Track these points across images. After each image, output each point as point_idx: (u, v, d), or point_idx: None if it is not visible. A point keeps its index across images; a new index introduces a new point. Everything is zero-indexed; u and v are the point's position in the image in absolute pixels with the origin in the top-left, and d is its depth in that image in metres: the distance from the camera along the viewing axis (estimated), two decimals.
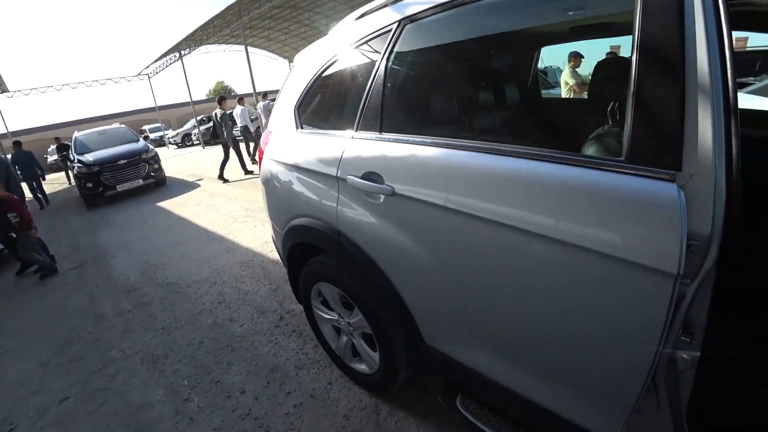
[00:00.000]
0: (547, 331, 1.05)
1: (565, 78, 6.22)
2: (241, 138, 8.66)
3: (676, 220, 0.79)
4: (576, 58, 6.09)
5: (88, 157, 8.28)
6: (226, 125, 7.91)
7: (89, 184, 7.95)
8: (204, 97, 43.35)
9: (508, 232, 1.02)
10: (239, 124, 8.81)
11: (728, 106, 0.80)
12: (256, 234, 4.53)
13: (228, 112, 8.20)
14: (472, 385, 1.33)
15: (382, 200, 1.32)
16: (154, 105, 23.41)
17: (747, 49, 7.23)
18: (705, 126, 0.79)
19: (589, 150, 1.16)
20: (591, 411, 1.05)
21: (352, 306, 1.70)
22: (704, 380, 1.06)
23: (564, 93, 6.22)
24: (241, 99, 9.32)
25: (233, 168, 8.50)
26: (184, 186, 8.66)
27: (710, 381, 1.10)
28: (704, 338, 0.94)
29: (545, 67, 11.43)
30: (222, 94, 10.92)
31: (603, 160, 0.91)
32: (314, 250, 1.79)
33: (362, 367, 1.86)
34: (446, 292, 1.24)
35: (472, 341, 1.25)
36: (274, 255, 3.80)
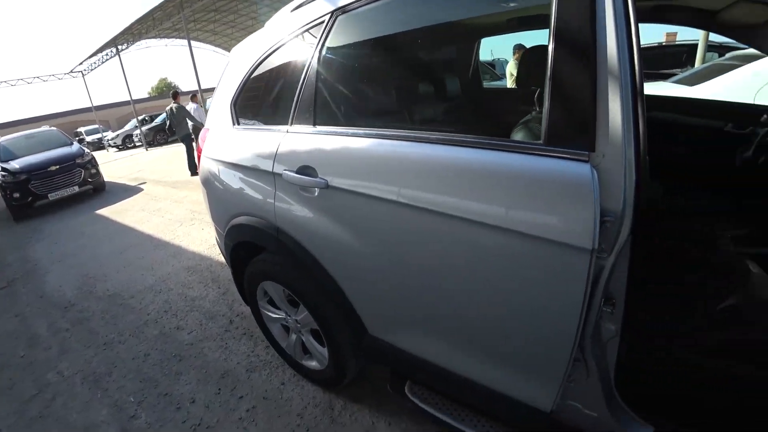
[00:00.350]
0: (480, 312, 1.09)
1: (510, 69, 6.42)
2: (194, 137, 8.31)
3: (589, 198, 0.83)
4: (520, 50, 6.29)
5: (14, 165, 7.56)
6: (189, 116, 7.59)
7: (16, 194, 7.27)
8: (146, 96, 41.05)
9: (439, 218, 1.04)
10: (190, 123, 8.44)
11: (635, 90, 0.85)
12: (204, 237, 4.35)
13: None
14: (417, 371, 1.35)
15: (316, 194, 1.30)
16: (90, 105, 21.83)
17: (676, 42, 7.79)
18: (615, 109, 0.84)
19: (517, 135, 1.20)
20: (526, 384, 1.10)
21: (297, 303, 1.68)
22: (628, 347, 1.13)
23: (509, 84, 6.43)
24: (194, 96, 8.94)
25: (180, 168, 8.12)
26: (126, 191, 8.16)
27: (633, 347, 1.18)
28: (625, 308, 1.00)
29: (493, 60, 11.77)
30: (175, 89, 10.42)
31: (525, 144, 0.95)
32: (257, 249, 1.75)
33: (313, 364, 1.84)
34: (382, 281, 1.25)
35: (411, 328, 1.27)
36: (222, 257, 3.67)
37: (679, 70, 6.07)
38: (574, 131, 0.87)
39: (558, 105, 0.89)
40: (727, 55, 4.98)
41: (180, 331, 2.70)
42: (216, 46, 27.35)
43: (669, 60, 7.02)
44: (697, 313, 1.27)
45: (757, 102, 3.27)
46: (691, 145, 2.30)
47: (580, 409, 1.11)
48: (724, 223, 1.87)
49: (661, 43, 8.13)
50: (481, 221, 0.96)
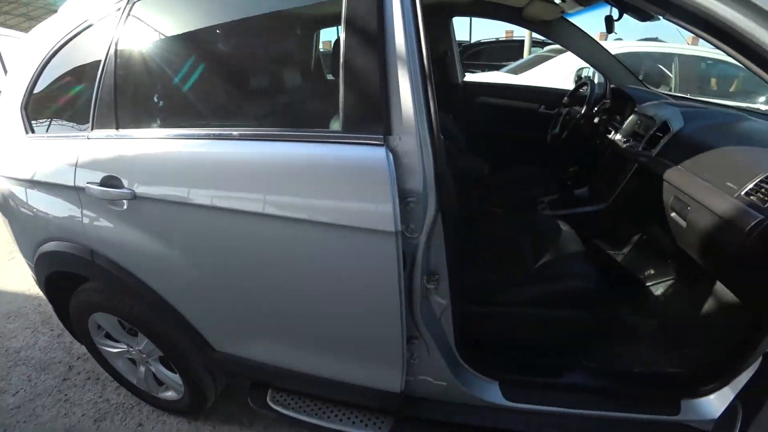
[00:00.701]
0: (312, 310, 1.09)
1: None
2: None
3: (386, 181, 0.86)
4: None
5: None
6: None
7: None
8: None
9: (253, 219, 1.00)
10: None
11: (425, 75, 0.91)
12: (28, 273, 3.57)
13: None
14: (273, 378, 1.31)
15: (126, 207, 1.15)
16: None
17: (512, 38, 8.89)
18: (406, 93, 0.88)
19: (335, 125, 1.20)
20: (373, 372, 1.13)
21: (136, 331, 1.48)
22: (462, 314, 1.23)
23: None
24: None
25: None
26: None
27: (467, 313, 1.29)
28: (451, 280, 1.06)
29: None
30: None
31: (326, 133, 0.95)
32: (77, 278, 1.48)
33: (170, 394, 1.65)
34: (211, 293, 1.18)
35: (254, 337, 1.22)
36: None
37: (514, 62, 6.98)
38: (369, 117, 0.90)
39: (352, 92, 0.91)
40: (546, 48, 5.86)
41: (2, 395, 2.18)
42: None
43: (505, 53, 7.99)
44: (521, 272, 1.44)
45: (565, 87, 3.91)
46: (514, 125, 2.65)
47: (431, 382, 1.18)
48: (541, 190, 2.19)
49: (499, 38, 9.18)
50: (292, 217, 0.95)
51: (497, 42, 8.74)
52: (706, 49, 4.63)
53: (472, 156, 2.30)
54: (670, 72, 4.46)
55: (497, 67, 5.93)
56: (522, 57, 7.24)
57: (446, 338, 1.15)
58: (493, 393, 1.23)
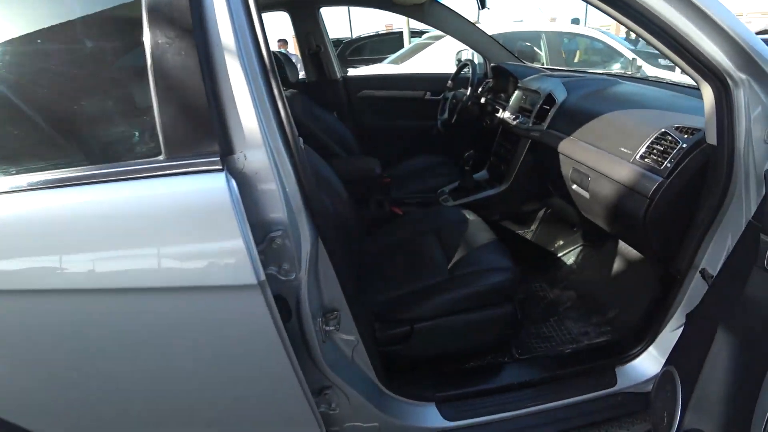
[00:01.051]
0: (188, 393, 0.87)
1: None
2: None
3: (231, 218, 0.62)
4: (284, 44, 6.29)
5: None
6: None
7: None
8: None
9: (68, 297, 0.72)
10: None
11: (266, 71, 0.69)
12: None
13: None
14: None
15: None
16: None
17: (393, 30, 9.01)
18: (243, 97, 0.67)
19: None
20: None
21: None
22: (380, 343, 1.10)
23: None
24: None
25: None
26: None
27: (383, 340, 1.15)
28: (355, 313, 0.90)
29: None
30: None
31: (142, 166, 0.67)
32: None
33: None
34: (48, 395, 0.87)
35: None
36: None
37: (394, 54, 7.06)
38: (198, 135, 0.66)
39: (168, 106, 0.66)
40: (424, 35, 5.97)
41: None
42: None
43: (387, 45, 8.06)
44: (436, 278, 1.30)
45: (447, 71, 3.97)
46: (402, 115, 2.56)
47: (361, 426, 1.06)
48: (440, 179, 2.11)
49: (379, 32, 9.25)
50: (120, 287, 0.69)
51: (378, 35, 8.79)
52: (566, 26, 5.11)
53: (361, 155, 2.14)
54: (540, 49, 4.80)
55: (381, 61, 5.92)
56: (402, 47, 7.34)
57: (366, 375, 1.02)
58: (431, 417, 1.14)
